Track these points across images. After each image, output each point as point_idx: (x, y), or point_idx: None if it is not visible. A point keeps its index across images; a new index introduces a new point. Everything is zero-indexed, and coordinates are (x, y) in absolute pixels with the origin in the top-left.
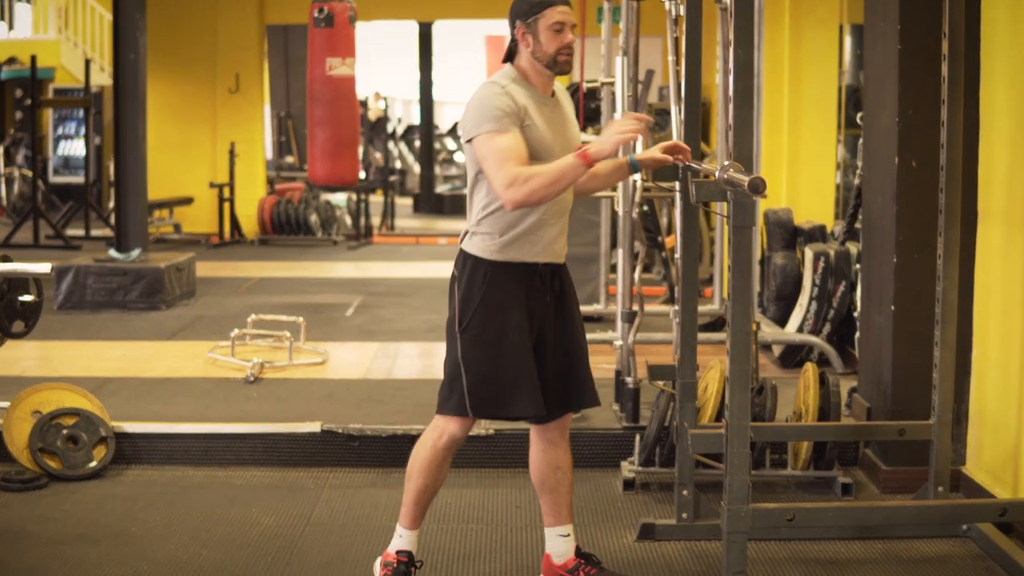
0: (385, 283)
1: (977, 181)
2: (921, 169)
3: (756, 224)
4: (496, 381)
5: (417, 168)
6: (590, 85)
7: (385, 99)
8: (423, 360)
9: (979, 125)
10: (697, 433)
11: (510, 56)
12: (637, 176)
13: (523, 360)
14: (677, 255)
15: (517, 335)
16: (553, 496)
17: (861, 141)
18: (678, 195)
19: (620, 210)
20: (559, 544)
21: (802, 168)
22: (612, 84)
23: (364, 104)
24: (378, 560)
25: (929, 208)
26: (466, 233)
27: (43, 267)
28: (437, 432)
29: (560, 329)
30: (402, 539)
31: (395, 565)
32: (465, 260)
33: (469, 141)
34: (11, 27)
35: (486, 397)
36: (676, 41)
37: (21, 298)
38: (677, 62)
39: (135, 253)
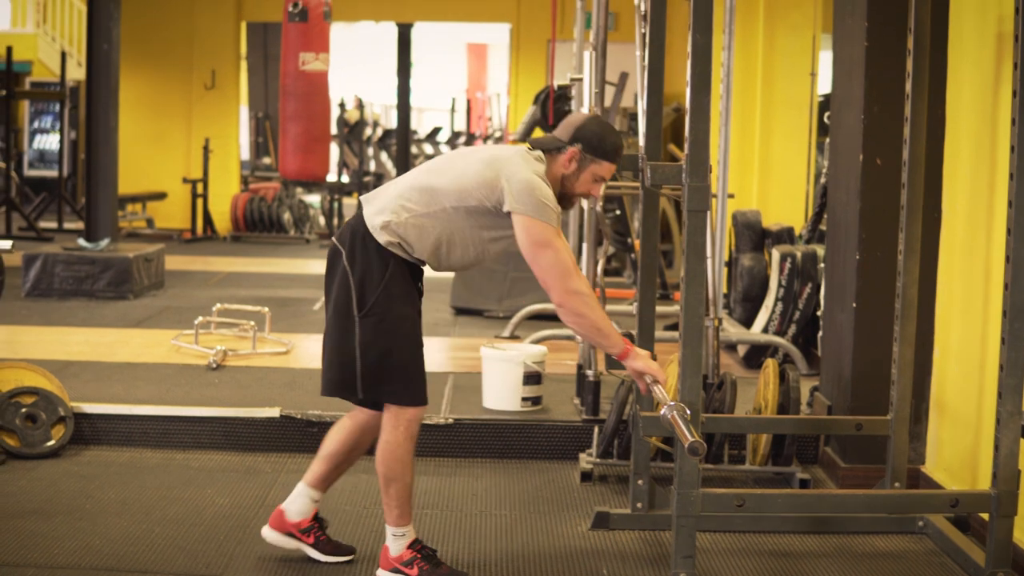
0: None
1: (942, 180)
2: (886, 167)
3: (710, 208)
4: (390, 368)
5: (394, 172)
6: (561, 84)
7: (361, 103)
8: None
9: (945, 124)
10: (649, 416)
11: (543, 146)
12: None
13: (415, 347)
14: None
15: (410, 321)
16: (336, 469)
17: (828, 140)
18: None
19: (585, 206)
20: (305, 504)
21: (773, 171)
22: (581, 81)
23: (342, 106)
24: (380, 571)
25: (893, 205)
26: (380, 220)
27: (4, 244)
28: (400, 426)
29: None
30: (406, 536)
31: (420, 556)
32: (365, 242)
33: (512, 211)
34: None
35: (373, 383)
36: (643, 37)
37: None
38: (644, 58)
39: (104, 243)
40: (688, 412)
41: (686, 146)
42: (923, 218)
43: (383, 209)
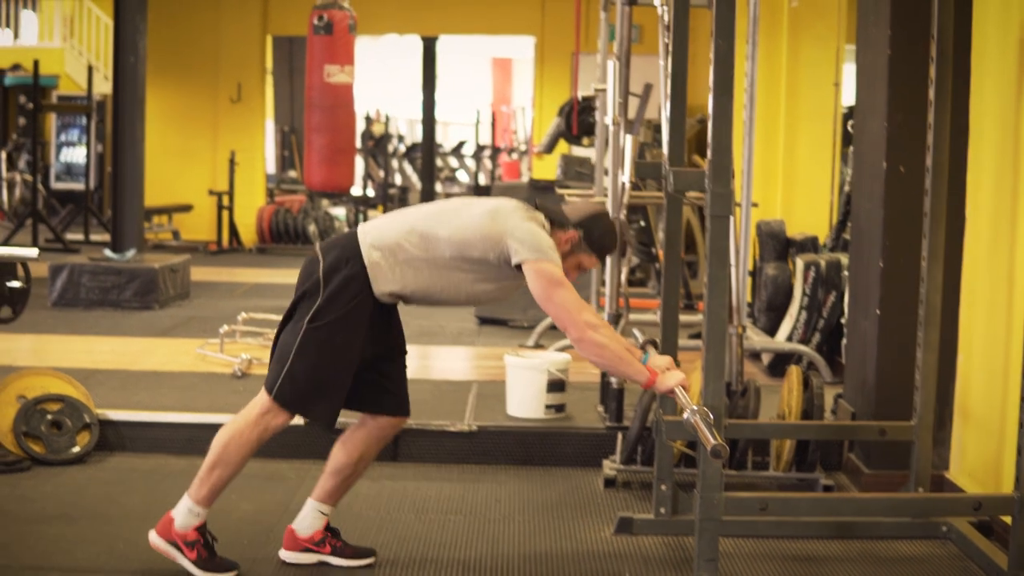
0: None
1: (965, 186)
2: (909, 174)
3: (733, 213)
4: (310, 381)
5: (419, 186)
6: (585, 96)
7: (387, 116)
8: (411, 362)
9: (968, 130)
10: (672, 420)
11: (550, 214)
12: (625, 178)
13: (346, 374)
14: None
15: (353, 351)
16: (345, 482)
17: (851, 149)
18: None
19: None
20: (315, 520)
21: (797, 181)
22: (605, 91)
23: (367, 120)
24: (154, 534)
25: (916, 212)
26: (377, 255)
27: (30, 251)
28: (263, 424)
29: (392, 341)
30: (199, 517)
31: (203, 542)
32: (351, 264)
33: (522, 262)
34: (16, 35)
35: (294, 390)
36: (667, 47)
37: (8, 283)
38: (668, 66)
39: (130, 253)
40: (711, 416)
41: (708, 151)
42: (946, 225)
43: (381, 247)
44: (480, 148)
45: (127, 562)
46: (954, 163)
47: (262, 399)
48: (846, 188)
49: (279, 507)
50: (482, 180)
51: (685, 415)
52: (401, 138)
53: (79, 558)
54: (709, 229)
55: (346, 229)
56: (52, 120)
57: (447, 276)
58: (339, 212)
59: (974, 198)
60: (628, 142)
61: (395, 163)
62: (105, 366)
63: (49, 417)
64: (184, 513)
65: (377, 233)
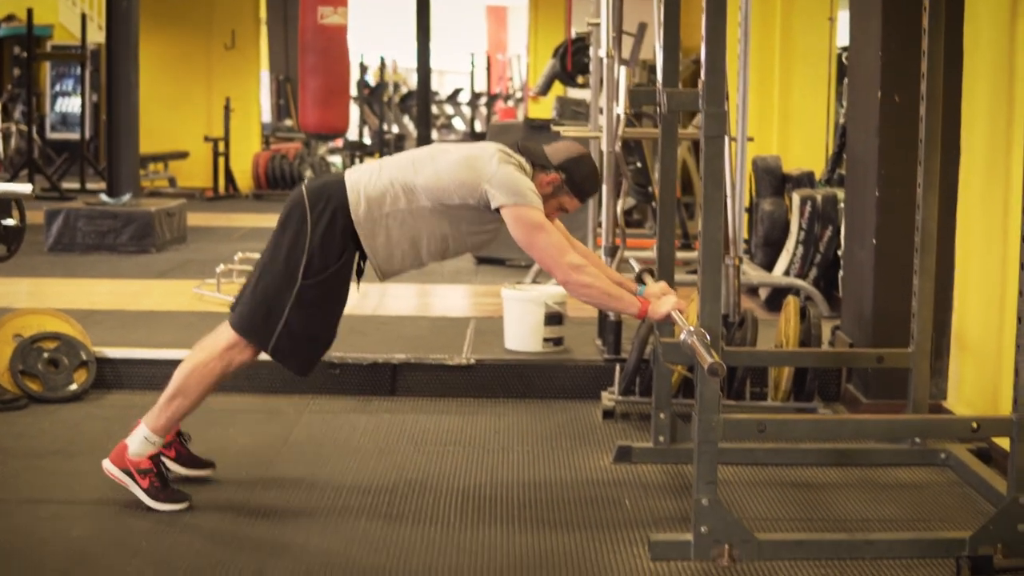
0: None
1: (960, 114)
2: (904, 104)
3: (727, 133)
4: (305, 337)
5: (415, 134)
6: (579, 33)
7: (383, 62)
8: (409, 300)
9: (962, 57)
10: (669, 342)
11: (531, 157)
12: (620, 110)
13: (335, 327)
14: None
15: (341, 304)
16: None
17: (847, 80)
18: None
19: (604, 148)
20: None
21: (793, 118)
22: (599, 26)
23: (363, 67)
24: (107, 461)
25: (911, 142)
26: (363, 209)
27: (24, 187)
28: (227, 359)
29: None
30: (154, 446)
31: (155, 471)
32: (335, 216)
33: (502, 205)
34: None
35: (292, 346)
36: None
37: (3, 222)
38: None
39: (126, 197)
40: (707, 337)
41: (702, 72)
42: (941, 152)
43: (368, 199)
44: (476, 95)
45: (126, 493)
46: (949, 90)
47: (228, 333)
48: (841, 120)
49: (278, 440)
50: (478, 127)
51: (682, 336)
52: (397, 86)
53: (77, 491)
54: (704, 151)
55: None
56: (47, 70)
57: (431, 226)
58: (335, 159)
59: (969, 125)
60: (622, 73)
61: (391, 112)
62: (102, 307)
63: (46, 355)
64: (140, 441)
65: (363, 184)
